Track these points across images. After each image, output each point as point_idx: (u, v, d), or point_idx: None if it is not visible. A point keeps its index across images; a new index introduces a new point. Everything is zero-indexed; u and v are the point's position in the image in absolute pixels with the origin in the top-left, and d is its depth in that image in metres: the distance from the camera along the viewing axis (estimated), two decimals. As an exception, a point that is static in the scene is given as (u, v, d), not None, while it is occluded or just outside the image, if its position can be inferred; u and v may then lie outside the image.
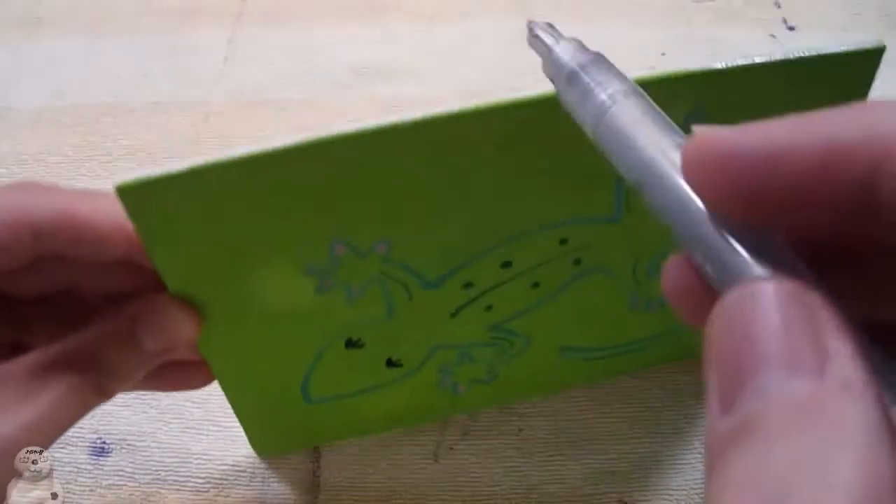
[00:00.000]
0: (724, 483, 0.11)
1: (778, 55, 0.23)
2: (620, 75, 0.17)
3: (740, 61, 0.23)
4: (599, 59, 0.17)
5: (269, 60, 0.50)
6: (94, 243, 0.23)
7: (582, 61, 0.17)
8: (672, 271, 0.15)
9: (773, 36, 0.51)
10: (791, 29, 0.52)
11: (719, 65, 0.23)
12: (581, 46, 0.18)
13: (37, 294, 0.25)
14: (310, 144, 0.22)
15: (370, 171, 0.23)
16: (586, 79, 0.17)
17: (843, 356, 0.11)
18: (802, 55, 0.23)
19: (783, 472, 0.11)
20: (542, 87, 0.48)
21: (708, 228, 0.14)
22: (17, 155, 0.45)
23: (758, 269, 0.13)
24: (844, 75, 0.25)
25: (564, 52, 0.17)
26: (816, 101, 0.26)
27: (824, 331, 0.12)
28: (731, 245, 0.13)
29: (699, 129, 0.14)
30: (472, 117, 0.22)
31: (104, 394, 0.25)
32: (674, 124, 0.15)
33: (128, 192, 0.21)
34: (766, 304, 0.12)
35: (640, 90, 0.16)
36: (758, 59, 0.23)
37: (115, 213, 0.22)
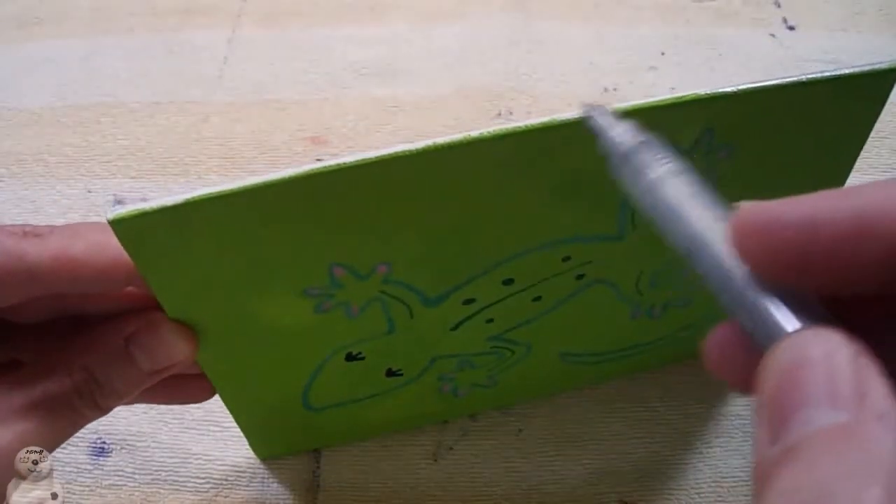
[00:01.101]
0: (770, 496, 0.13)
1: (790, 77, 0.23)
2: (670, 156, 0.18)
3: (751, 84, 0.23)
4: (651, 142, 0.19)
5: (269, 60, 0.50)
6: (92, 281, 0.23)
7: (635, 143, 0.19)
8: (713, 345, 0.17)
9: (773, 35, 0.51)
10: (791, 29, 0.52)
11: (730, 88, 0.23)
12: (635, 129, 0.19)
13: (35, 320, 0.26)
14: (307, 175, 0.21)
15: (371, 199, 0.23)
16: (639, 159, 0.18)
17: (879, 393, 0.13)
18: (814, 77, 0.23)
19: (822, 485, 0.12)
20: (540, 87, 0.48)
21: (753, 290, 0.16)
22: (17, 155, 0.45)
23: (800, 322, 0.15)
24: (857, 95, 0.25)
25: (620, 135, 0.19)
26: (827, 121, 0.25)
27: (862, 373, 0.14)
28: (776, 303, 0.15)
29: (745, 204, 0.16)
30: (475, 146, 0.22)
31: (100, 408, 0.25)
32: (716, 200, 0.17)
33: (122, 225, 0.21)
34: (813, 350, 0.14)
35: (687, 168, 0.18)
36: (769, 83, 0.23)
37: (111, 247, 0.22)
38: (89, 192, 0.44)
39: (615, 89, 0.48)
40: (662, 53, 0.50)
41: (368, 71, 0.49)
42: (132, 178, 0.44)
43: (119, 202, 0.43)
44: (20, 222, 0.42)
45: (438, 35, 0.51)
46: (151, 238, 0.22)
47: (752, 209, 0.16)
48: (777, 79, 0.23)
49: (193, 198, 0.21)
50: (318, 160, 0.46)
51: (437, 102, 0.48)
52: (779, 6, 0.53)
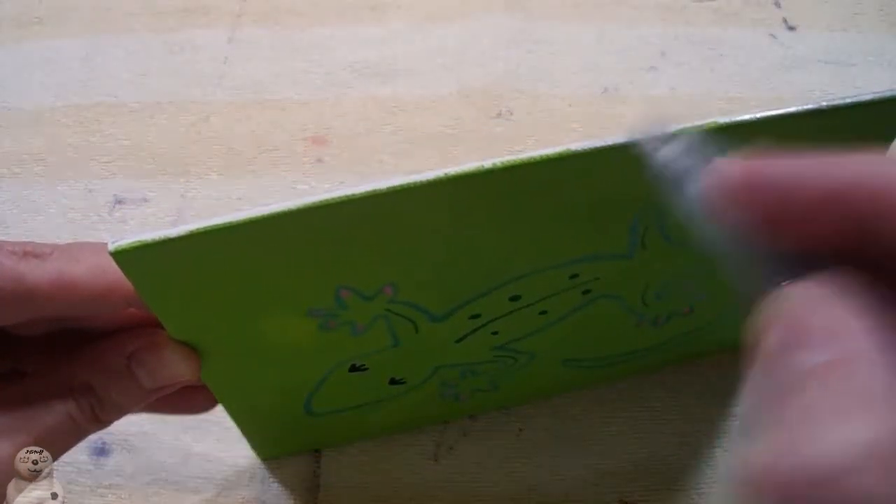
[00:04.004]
0: (754, 444, 0.13)
1: (814, 104, 0.23)
2: None
3: (770, 112, 0.23)
4: (708, 158, 0.19)
5: (269, 60, 0.50)
6: (91, 304, 0.23)
7: (687, 162, 0.19)
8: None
9: (773, 36, 0.51)
10: (791, 29, 0.52)
11: (749, 116, 0.23)
12: (687, 145, 0.19)
13: (36, 334, 0.26)
14: (312, 207, 0.21)
15: (378, 228, 0.23)
16: (690, 174, 0.18)
17: (856, 334, 0.14)
18: (840, 103, 0.23)
19: (800, 427, 0.13)
20: (540, 87, 0.48)
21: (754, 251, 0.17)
22: (17, 155, 0.45)
23: (788, 278, 0.16)
24: (880, 120, 0.25)
25: (671, 152, 0.19)
26: (844, 148, 0.25)
27: (839, 317, 0.14)
28: (769, 262, 0.16)
29: (724, 161, 0.17)
30: (486, 176, 0.22)
31: (100, 422, 0.25)
32: None
33: (124, 256, 0.21)
34: (792, 302, 0.15)
35: None
36: (788, 110, 0.23)
37: (111, 271, 0.22)
38: (89, 191, 0.44)
39: (615, 89, 0.48)
40: (662, 53, 0.50)
41: (368, 71, 0.49)
42: (132, 178, 0.44)
43: (119, 202, 0.43)
44: (20, 222, 0.42)
45: (438, 35, 0.51)
46: (153, 268, 0.21)
47: (733, 166, 0.17)
48: (796, 106, 0.23)
49: (196, 229, 0.20)
50: (319, 160, 0.46)
51: (437, 102, 0.48)
52: (779, 6, 0.53)
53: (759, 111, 0.23)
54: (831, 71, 0.49)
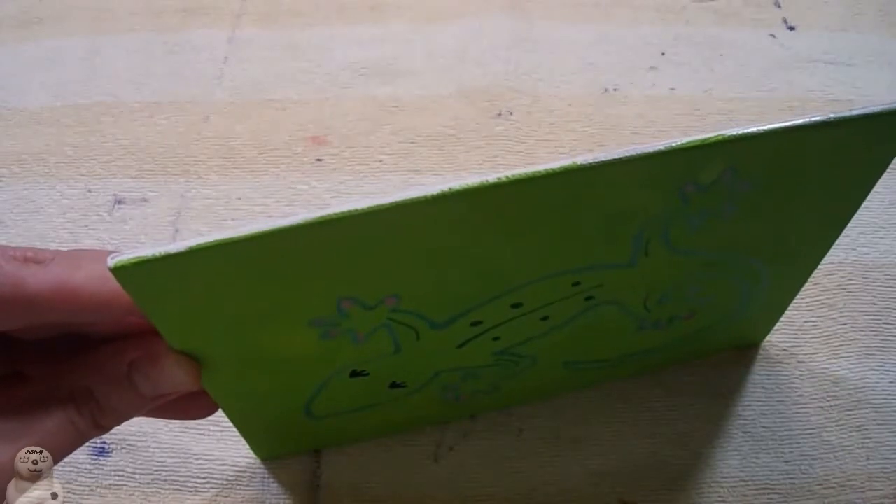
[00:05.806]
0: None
1: (822, 116, 0.23)
2: None
3: (776, 125, 0.23)
4: None
5: (269, 60, 0.50)
6: (92, 312, 0.23)
7: None
8: None
9: (773, 36, 0.51)
10: (791, 29, 0.52)
11: (754, 129, 0.22)
12: None
13: (36, 338, 0.26)
14: (314, 223, 0.20)
15: (381, 241, 0.22)
16: None
17: None
18: (848, 115, 0.23)
19: None
20: (540, 87, 0.48)
21: None
22: (17, 155, 0.45)
23: None
24: (882, 133, 0.25)
25: None
26: (849, 159, 0.25)
27: None
28: None
29: None
30: (491, 191, 0.21)
31: (100, 428, 0.25)
32: None
33: (123, 272, 0.20)
34: None
35: None
36: (793, 123, 0.23)
37: (112, 279, 0.21)
38: (89, 191, 0.44)
39: (615, 89, 0.48)
40: (662, 53, 0.50)
41: (368, 71, 0.49)
42: (132, 178, 0.44)
43: (119, 202, 0.43)
44: (20, 222, 0.42)
45: (438, 35, 0.51)
46: (153, 283, 0.21)
47: None
48: (801, 118, 0.23)
49: (196, 245, 0.20)
50: (319, 160, 0.46)
51: (437, 102, 0.48)
52: (779, 6, 0.53)
53: (766, 123, 0.23)
54: (831, 71, 0.49)
